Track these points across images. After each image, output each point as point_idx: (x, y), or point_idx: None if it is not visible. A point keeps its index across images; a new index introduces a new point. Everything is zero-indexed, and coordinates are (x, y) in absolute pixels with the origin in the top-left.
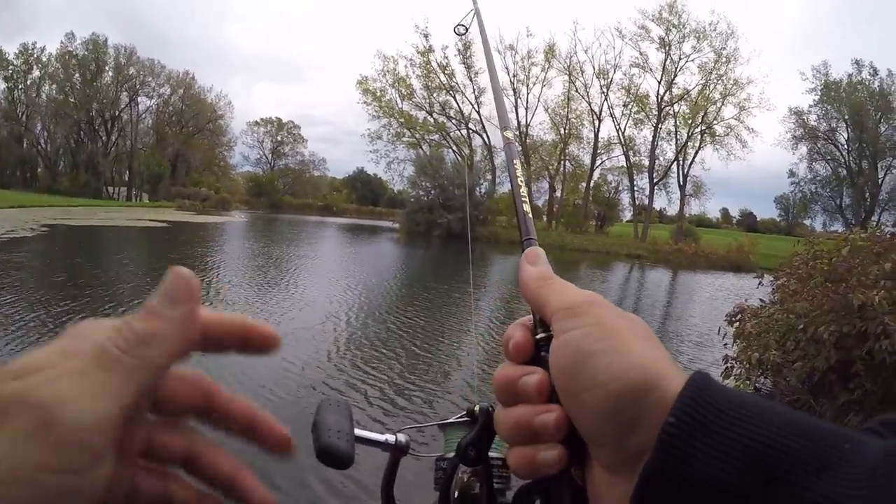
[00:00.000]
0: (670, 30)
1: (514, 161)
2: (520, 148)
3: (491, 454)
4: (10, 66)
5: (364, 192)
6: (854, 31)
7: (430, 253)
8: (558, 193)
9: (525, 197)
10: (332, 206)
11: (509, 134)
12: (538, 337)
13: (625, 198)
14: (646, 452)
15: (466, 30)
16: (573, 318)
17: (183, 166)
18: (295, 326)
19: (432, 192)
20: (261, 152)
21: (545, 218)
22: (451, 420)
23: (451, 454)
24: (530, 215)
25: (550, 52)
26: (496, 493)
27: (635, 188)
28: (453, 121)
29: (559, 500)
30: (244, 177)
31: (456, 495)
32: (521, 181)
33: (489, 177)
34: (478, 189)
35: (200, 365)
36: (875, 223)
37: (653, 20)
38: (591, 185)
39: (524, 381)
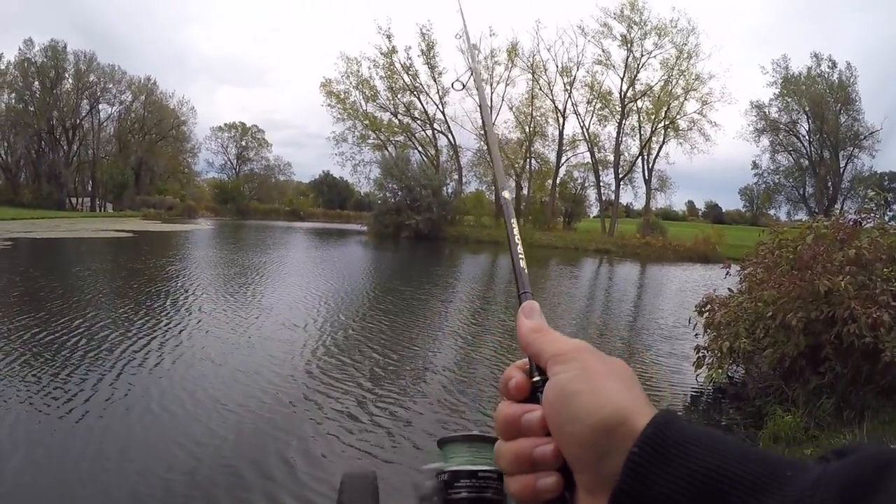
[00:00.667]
0: (632, 27)
1: (511, 220)
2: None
3: (483, 468)
4: None
5: (331, 195)
6: (812, 25)
7: (398, 255)
8: (525, 191)
9: (521, 254)
10: (299, 211)
11: (507, 194)
12: (535, 380)
13: (591, 194)
14: (617, 477)
15: (463, 86)
16: (562, 363)
17: (147, 174)
18: (258, 335)
19: (399, 193)
20: (225, 158)
21: None
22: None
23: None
24: (526, 271)
25: (513, 50)
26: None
27: (601, 184)
28: (418, 121)
29: None
30: (209, 183)
31: None
32: (518, 239)
33: (455, 177)
34: (444, 189)
35: (173, 374)
36: (838, 210)
37: (614, 18)
38: (558, 181)
39: (527, 417)
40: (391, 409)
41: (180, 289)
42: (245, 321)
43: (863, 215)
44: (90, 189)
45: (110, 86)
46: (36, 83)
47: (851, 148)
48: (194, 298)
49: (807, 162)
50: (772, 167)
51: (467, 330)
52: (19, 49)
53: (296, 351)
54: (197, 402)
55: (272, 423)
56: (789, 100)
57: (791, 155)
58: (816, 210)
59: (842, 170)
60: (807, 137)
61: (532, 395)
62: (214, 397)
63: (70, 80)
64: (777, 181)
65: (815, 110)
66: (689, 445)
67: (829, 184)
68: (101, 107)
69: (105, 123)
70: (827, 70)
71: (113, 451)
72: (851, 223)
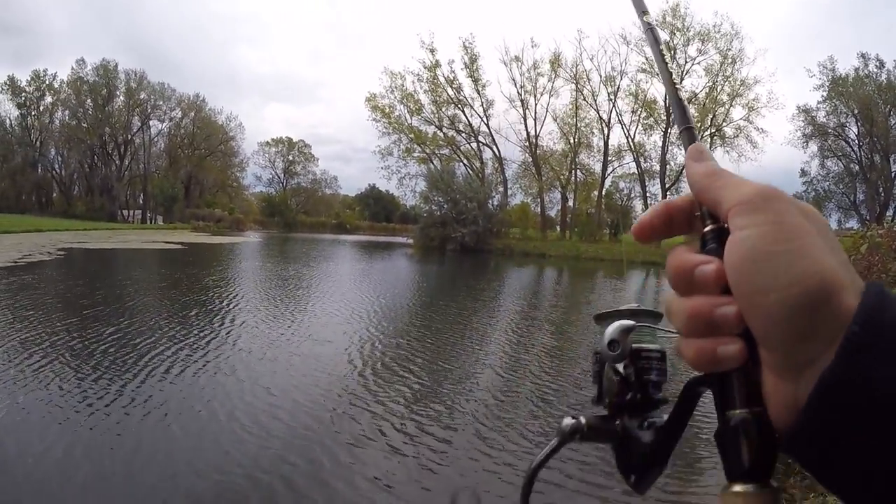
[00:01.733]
0: (675, 33)
1: (661, 46)
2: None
3: (646, 346)
4: (24, 93)
5: (377, 208)
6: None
7: (444, 268)
8: (571, 203)
9: (678, 81)
10: (345, 224)
11: (649, 17)
12: (707, 229)
13: (637, 205)
14: (815, 361)
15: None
16: (751, 213)
17: (196, 188)
18: (297, 350)
19: (445, 206)
20: (273, 172)
21: (558, 228)
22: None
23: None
24: (685, 101)
25: (556, 61)
26: (649, 385)
27: (647, 194)
28: (463, 134)
29: (739, 394)
30: (257, 197)
31: (608, 387)
32: (671, 65)
33: (500, 189)
34: (490, 201)
35: (219, 380)
36: (891, 217)
37: (657, 24)
38: (604, 193)
39: (702, 269)
40: (424, 438)
41: (225, 300)
42: (285, 336)
43: None
44: (141, 202)
45: (160, 103)
46: (88, 101)
47: None
48: (238, 311)
49: (857, 167)
50: (821, 173)
51: (513, 351)
52: (72, 68)
53: (335, 368)
54: (220, 417)
55: (301, 442)
56: (837, 103)
57: (840, 160)
58: (868, 217)
59: (893, 174)
60: (856, 141)
61: (703, 246)
62: (241, 413)
63: (121, 98)
64: (827, 188)
65: (864, 113)
66: None
67: (881, 189)
68: (151, 123)
69: (156, 139)
70: (875, 70)
71: (136, 459)
72: None
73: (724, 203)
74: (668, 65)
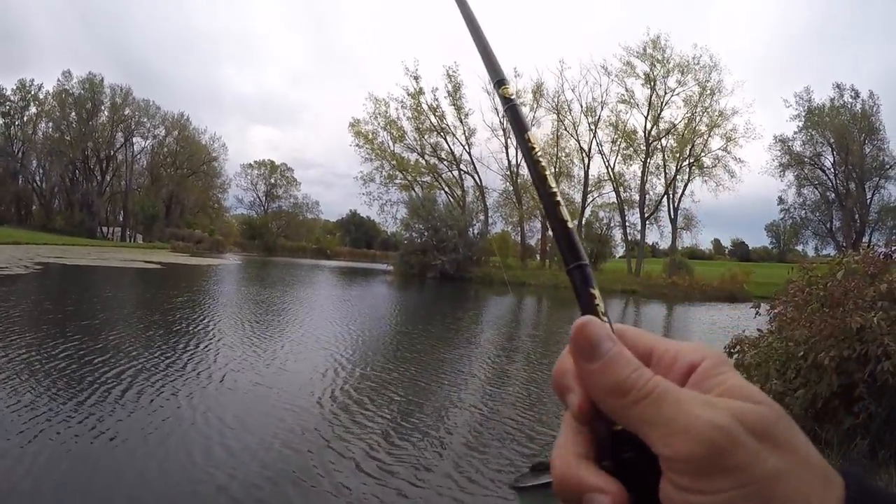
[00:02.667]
0: (655, 65)
1: (527, 134)
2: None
3: None
4: (8, 102)
5: (357, 234)
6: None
7: (423, 295)
8: (551, 232)
9: (554, 188)
10: (325, 249)
11: (509, 89)
12: (616, 446)
13: (617, 234)
14: None
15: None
16: (704, 480)
17: (177, 208)
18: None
19: (425, 233)
20: (255, 195)
21: (538, 257)
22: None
23: None
24: (571, 224)
25: (538, 91)
26: None
27: (627, 224)
28: (445, 162)
29: None
30: (238, 219)
31: None
32: (543, 165)
33: (481, 217)
34: (470, 230)
35: (172, 405)
36: (867, 244)
37: (637, 56)
38: (583, 222)
39: (593, 499)
40: (401, 466)
41: (195, 324)
42: (249, 362)
43: (893, 248)
44: (121, 219)
45: (144, 120)
46: (73, 114)
47: (877, 178)
48: (206, 336)
49: (833, 195)
50: (798, 202)
51: (492, 381)
52: (58, 80)
53: (295, 399)
54: (169, 445)
55: (247, 476)
56: (813, 132)
57: (817, 188)
58: (844, 244)
59: (869, 201)
60: (832, 170)
61: (610, 448)
62: (189, 442)
63: (106, 113)
64: (804, 216)
65: (840, 142)
66: None
67: (857, 216)
68: (134, 140)
69: (138, 156)
70: (850, 100)
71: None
72: (882, 256)
73: (653, 444)
74: (535, 152)
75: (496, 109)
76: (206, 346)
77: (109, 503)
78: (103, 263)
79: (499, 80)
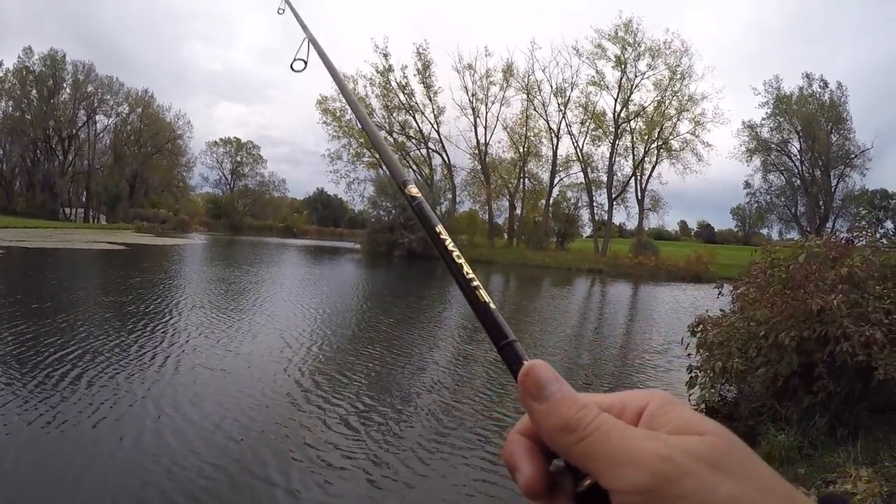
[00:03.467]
0: (626, 48)
1: (438, 228)
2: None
3: None
4: None
5: (325, 212)
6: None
7: (391, 273)
8: (518, 211)
9: (471, 274)
10: (292, 228)
11: (414, 190)
12: (580, 490)
13: (584, 214)
14: None
15: (305, 65)
16: None
17: (141, 187)
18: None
19: (393, 211)
20: (220, 173)
21: (506, 235)
22: None
23: None
24: (492, 304)
25: (509, 70)
26: None
27: (594, 204)
28: (413, 140)
29: None
30: (204, 198)
31: None
32: (458, 254)
33: (449, 196)
34: (438, 208)
35: (120, 391)
36: (830, 229)
37: (609, 39)
38: (551, 201)
39: None
40: (376, 437)
41: (167, 305)
42: (230, 341)
43: (855, 234)
44: (84, 200)
45: (108, 97)
46: (34, 92)
47: (842, 167)
48: (180, 316)
49: (798, 181)
50: (764, 187)
51: (456, 356)
52: (18, 57)
53: (281, 372)
54: (116, 433)
55: (245, 454)
56: (781, 120)
57: (783, 174)
58: (808, 229)
59: (833, 188)
60: (798, 157)
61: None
62: (139, 432)
63: (68, 90)
64: (769, 201)
65: (807, 130)
66: None
67: (821, 202)
68: (97, 118)
69: (101, 134)
70: (818, 90)
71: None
72: (843, 241)
73: (599, 478)
74: (448, 242)
75: (466, 88)
76: (164, 329)
77: (58, 491)
78: (66, 245)
79: (403, 182)
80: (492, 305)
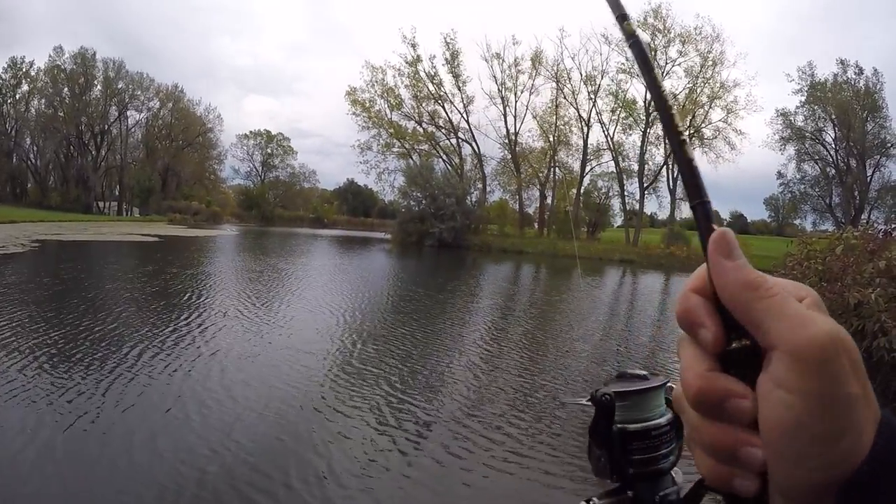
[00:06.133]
0: (656, 34)
1: (654, 69)
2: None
3: (647, 423)
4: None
5: (355, 203)
6: (839, 33)
7: (422, 263)
8: (549, 200)
9: (681, 127)
10: (323, 218)
11: (632, 25)
12: (737, 346)
13: (615, 203)
14: None
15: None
16: (804, 376)
17: (173, 180)
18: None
19: (423, 201)
20: (251, 165)
21: (536, 225)
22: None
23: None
24: (696, 163)
25: (537, 59)
26: (659, 459)
27: (625, 193)
28: (442, 130)
29: None
30: (235, 190)
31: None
32: (670, 104)
33: (479, 185)
34: (468, 198)
35: (180, 377)
36: (865, 221)
37: (638, 25)
38: (582, 191)
39: (736, 404)
40: (403, 431)
41: (200, 295)
42: (260, 332)
43: (893, 226)
44: (117, 193)
45: (138, 93)
46: (65, 89)
47: (878, 156)
48: (202, 308)
49: (833, 171)
50: (797, 176)
51: (489, 349)
52: (49, 56)
53: (311, 365)
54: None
55: (272, 446)
56: (815, 107)
57: (817, 164)
58: (843, 220)
59: (869, 179)
60: (833, 146)
61: (727, 358)
62: (212, 414)
63: (99, 87)
64: (803, 191)
65: (842, 118)
66: None
67: (856, 193)
68: (129, 113)
69: (133, 129)
70: (853, 77)
71: (113, 456)
72: (882, 234)
73: (771, 335)
74: (663, 91)
75: (494, 77)
76: (201, 320)
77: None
78: (101, 238)
79: (620, 15)
80: (695, 163)
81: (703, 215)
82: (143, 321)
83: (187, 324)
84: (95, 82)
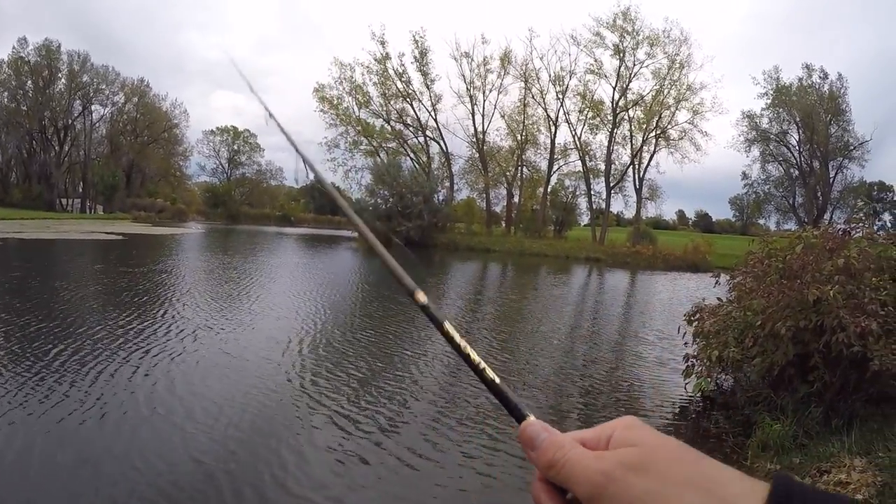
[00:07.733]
0: (624, 37)
1: (447, 327)
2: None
3: None
4: None
5: (322, 201)
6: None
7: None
8: (516, 199)
9: (477, 359)
10: (289, 216)
11: (421, 296)
12: (569, 497)
13: (582, 202)
14: None
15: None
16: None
17: (138, 177)
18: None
19: (390, 199)
20: (217, 162)
21: (503, 224)
22: None
23: None
24: (497, 380)
25: (506, 58)
26: None
27: (592, 192)
28: (410, 128)
29: None
30: (201, 187)
31: None
32: (464, 344)
33: (447, 184)
34: (435, 196)
35: (143, 384)
36: (827, 221)
37: (607, 27)
38: (549, 190)
39: None
40: (371, 423)
41: (164, 295)
42: (227, 331)
43: (852, 225)
44: (80, 190)
45: (103, 87)
46: (29, 82)
47: (841, 158)
48: (176, 306)
49: (797, 172)
50: (762, 177)
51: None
52: (13, 47)
53: (277, 362)
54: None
55: (239, 448)
56: (780, 110)
57: (781, 165)
58: (806, 220)
59: (831, 180)
60: (797, 148)
61: None
62: (178, 413)
63: (63, 80)
64: (767, 191)
65: (806, 121)
66: None
67: (819, 194)
68: (93, 107)
69: (97, 124)
70: (818, 81)
71: (74, 458)
72: (840, 233)
73: (574, 490)
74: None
75: (463, 76)
76: (161, 320)
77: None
78: (63, 236)
79: (410, 292)
80: (497, 381)
81: (519, 415)
82: (91, 322)
83: (140, 328)
84: (60, 75)
